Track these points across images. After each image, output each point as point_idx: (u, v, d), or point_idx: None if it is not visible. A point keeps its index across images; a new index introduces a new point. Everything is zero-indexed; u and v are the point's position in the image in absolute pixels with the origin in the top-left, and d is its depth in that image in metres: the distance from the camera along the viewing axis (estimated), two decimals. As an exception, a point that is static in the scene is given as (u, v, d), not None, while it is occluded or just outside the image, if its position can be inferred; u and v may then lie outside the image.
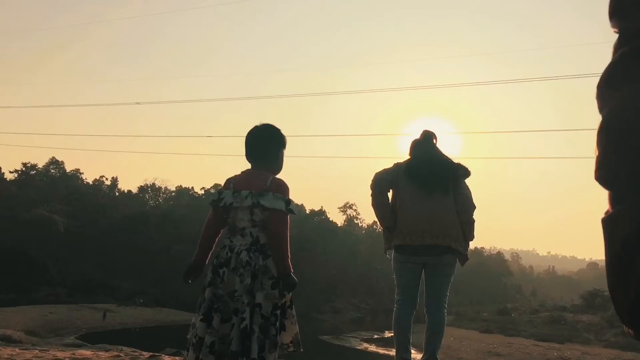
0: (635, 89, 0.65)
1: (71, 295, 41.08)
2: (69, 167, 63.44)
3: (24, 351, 5.82)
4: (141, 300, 41.77)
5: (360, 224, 75.47)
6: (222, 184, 2.45)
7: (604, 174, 0.67)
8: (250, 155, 2.45)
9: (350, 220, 73.23)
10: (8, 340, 15.81)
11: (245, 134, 2.51)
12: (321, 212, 68.20)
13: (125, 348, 6.84)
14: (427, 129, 3.82)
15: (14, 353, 5.30)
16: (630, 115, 0.64)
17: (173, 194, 65.42)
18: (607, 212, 0.68)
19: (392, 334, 3.61)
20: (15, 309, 28.39)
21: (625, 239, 0.62)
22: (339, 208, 73.16)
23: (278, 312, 2.24)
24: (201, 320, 2.20)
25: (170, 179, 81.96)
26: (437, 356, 3.48)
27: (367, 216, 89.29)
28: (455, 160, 3.71)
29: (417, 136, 3.79)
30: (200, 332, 2.18)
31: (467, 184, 3.68)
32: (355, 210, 72.30)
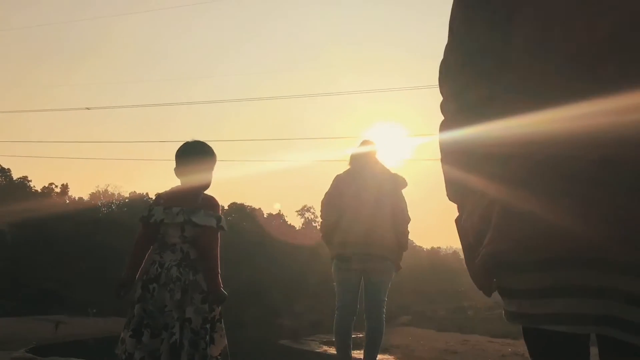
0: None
1: (21, 306, 39.70)
2: (16, 175, 61.40)
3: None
4: (94, 311, 40.68)
5: (318, 227, 75.63)
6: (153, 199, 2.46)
7: (449, 195, 1.16)
8: (181, 171, 2.44)
9: (308, 223, 73.28)
10: (-49, 358, 15.13)
11: (186, 145, 2.53)
12: (279, 216, 68.06)
13: (76, 360, 6.70)
14: (367, 139, 3.93)
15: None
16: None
17: (127, 200, 64.08)
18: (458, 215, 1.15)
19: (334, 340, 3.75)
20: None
21: (464, 234, 1.11)
22: (297, 211, 73.13)
23: (208, 326, 2.26)
24: (130, 336, 2.20)
25: (123, 185, 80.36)
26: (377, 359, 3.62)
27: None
28: (393, 171, 3.82)
29: (358, 145, 3.95)
30: (129, 348, 2.18)
31: (404, 194, 3.80)
32: (313, 213, 72.38)
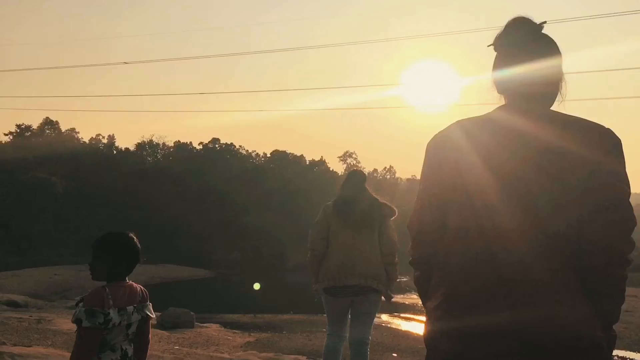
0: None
1: (75, 255, 41.41)
2: (64, 127, 62.94)
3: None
4: (145, 259, 42.07)
5: (360, 173, 75.44)
6: (92, 301, 2.09)
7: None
8: (129, 268, 2.26)
9: (350, 169, 73.15)
10: (14, 306, 15.87)
11: (125, 238, 2.30)
12: (321, 162, 68.08)
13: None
14: (356, 168, 3.98)
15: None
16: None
17: (171, 149, 65.12)
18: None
19: None
20: (20, 273, 28.57)
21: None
22: (338, 157, 72.97)
23: None
24: None
25: (168, 135, 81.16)
26: None
27: (367, 164, 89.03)
28: (381, 200, 3.80)
29: (354, 168, 3.90)
30: None
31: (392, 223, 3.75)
32: (355, 158, 72.12)
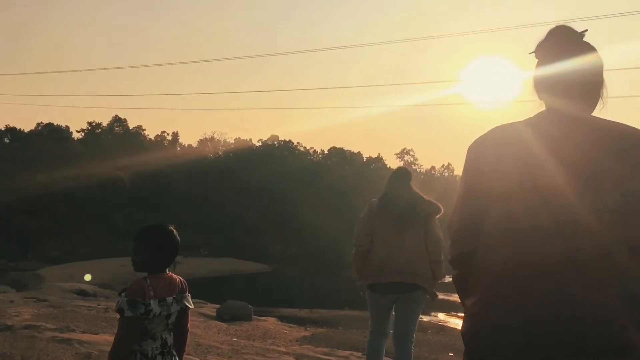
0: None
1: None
2: (131, 124, 65.29)
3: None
4: (206, 252, 43.16)
5: (418, 169, 74.68)
6: (134, 291, 2.13)
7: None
8: (168, 260, 2.29)
9: (407, 166, 72.26)
10: (84, 295, 16.66)
11: (165, 231, 2.32)
12: (378, 159, 67.77)
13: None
14: (402, 166, 4.00)
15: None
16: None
17: (232, 146, 66.40)
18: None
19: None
20: (89, 263, 29.84)
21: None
22: (396, 154, 72.35)
23: None
24: None
25: (228, 132, 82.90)
26: None
27: (425, 162, 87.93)
28: (427, 197, 3.78)
29: (401, 164, 3.90)
30: None
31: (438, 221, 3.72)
32: (413, 155, 71.37)
